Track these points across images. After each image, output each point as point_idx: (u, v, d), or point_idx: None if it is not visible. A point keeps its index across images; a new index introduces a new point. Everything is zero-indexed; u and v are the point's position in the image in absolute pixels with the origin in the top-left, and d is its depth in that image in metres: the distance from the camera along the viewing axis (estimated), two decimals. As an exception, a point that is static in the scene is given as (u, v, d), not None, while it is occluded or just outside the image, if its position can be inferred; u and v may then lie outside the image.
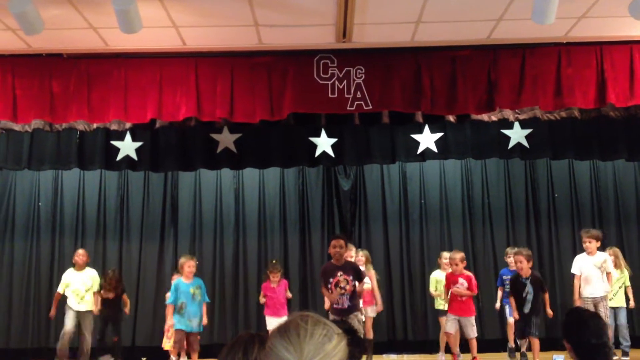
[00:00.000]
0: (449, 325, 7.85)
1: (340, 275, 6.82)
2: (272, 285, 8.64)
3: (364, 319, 8.05)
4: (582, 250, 9.15)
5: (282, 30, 6.42)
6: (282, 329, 1.53)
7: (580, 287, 7.97)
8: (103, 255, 9.82)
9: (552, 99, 6.87)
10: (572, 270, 8.15)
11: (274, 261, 9.12)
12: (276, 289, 8.62)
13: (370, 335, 8.41)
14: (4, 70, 6.87)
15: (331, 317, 6.90)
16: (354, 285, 6.87)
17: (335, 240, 7.02)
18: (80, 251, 8.78)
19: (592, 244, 7.95)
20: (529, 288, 7.67)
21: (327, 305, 7.32)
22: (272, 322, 8.39)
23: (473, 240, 9.98)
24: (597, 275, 7.85)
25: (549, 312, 7.87)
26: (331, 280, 6.85)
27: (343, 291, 6.75)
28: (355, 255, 8.50)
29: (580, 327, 2.88)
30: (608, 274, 7.92)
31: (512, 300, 7.90)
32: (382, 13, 6.11)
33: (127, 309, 9.02)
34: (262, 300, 8.72)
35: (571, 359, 2.92)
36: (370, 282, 8.39)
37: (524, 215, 10.04)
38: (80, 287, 8.45)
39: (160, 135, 8.30)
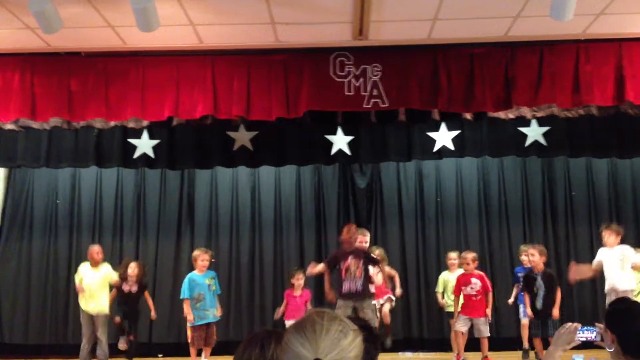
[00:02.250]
0: (459, 324, 7.84)
1: (351, 259, 6.96)
2: (295, 293, 8.49)
3: (379, 305, 8.11)
4: (599, 249, 9.07)
5: (298, 27, 6.43)
6: (298, 325, 1.53)
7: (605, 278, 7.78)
8: (120, 252, 9.86)
9: (570, 97, 6.83)
10: (594, 262, 7.92)
11: (295, 268, 8.99)
12: (297, 298, 8.47)
13: (388, 320, 8.42)
14: (23, 69, 6.94)
15: (340, 302, 6.96)
16: (365, 270, 6.97)
17: (346, 227, 7.31)
18: (96, 248, 8.49)
19: (611, 237, 7.67)
20: (539, 283, 7.67)
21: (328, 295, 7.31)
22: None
23: (489, 238, 9.93)
24: (617, 267, 7.60)
25: (555, 312, 7.69)
26: (342, 263, 7.02)
27: (352, 275, 6.87)
28: (372, 253, 8.51)
29: (629, 316, 2.73)
30: (633, 265, 7.57)
31: (526, 297, 7.88)
32: (399, 10, 6.10)
33: (153, 313, 8.64)
34: (281, 310, 8.52)
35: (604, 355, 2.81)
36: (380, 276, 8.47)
37: (541, 213, 9.97)
38: (93, 286, 8.20)
39: (177, 133, 8.33)
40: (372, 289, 7.41)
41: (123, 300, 8.48)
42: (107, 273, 8.41)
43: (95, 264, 8.39)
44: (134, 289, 8.48)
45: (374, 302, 7.66)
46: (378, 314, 7.99)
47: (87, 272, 8.36)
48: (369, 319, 6.59)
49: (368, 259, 7.09)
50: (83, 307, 8.24)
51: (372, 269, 7.29)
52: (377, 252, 8.60)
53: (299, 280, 8.51)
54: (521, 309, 8.49)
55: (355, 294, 6.89)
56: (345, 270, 6.99)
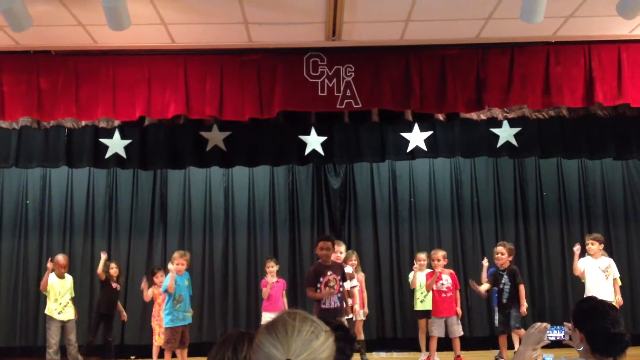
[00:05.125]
0: (435, 330, 7.86)
1: (330, 275, 6.80)
2: (271, 280, 8.57)
3: (353, 319, 8.09)
4: (569, 248, 9.16)
5: (271, 28, 6.41)
6: (270, 326, 1.53)
7: (585, 287, 7.87)
8: (91, 253, 9.75)
9: (540, 98, 6.91)
10: (579, 267, 8.01)
11: (268, 257, 9.11)
12: (274, 284, 8.52)
13: (361, 336, 8.44)
14: (-9, 67, 6.83)
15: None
16: (342, 286, 6.88)
17: (322, 242, 6.96)
18: (61, 258, 8.35)
19: (595, 246, 7.83)
20: (505, 279, 7.81)
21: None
22: (267, 318, 8.28)
23: (462, 238, 10.00)
24: (602, 279, 7.75)
25: (522, 309, 7.78)
26: (321, 279, 6.81)
27: (332, 290, 6.72)
28: (349, 258, 8.53)
29: (597, 315, 2.73)
30: (614, 279, 7.83)
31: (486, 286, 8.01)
32: (372, 11, 6.12)
33: (124, 314, 8.92)
34: (266, 294, 8.50)
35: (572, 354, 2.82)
36: (358, 284, 8.45)
37: (513, 213, 10.06)
38: (64, 297, 8.22)
39: (149, 133, 8.27)
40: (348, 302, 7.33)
41: (106, 298, 8.58)
42: (72, 284, 8.41)
43: (61, 275, 8.32)
44: (114, 285, 8.69)
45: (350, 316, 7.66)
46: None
47: (56, 284, 8.27)
48: None
49: (343, 275, 6.96)
50: (55, 316, 8.15)
51: (347, 284, 7.25)
52: (354, 258, 8.61)
53: (270, 267, 8.51)
54: (495, 318, 8.43)
55: (334, 310, 6.72)
56: (325, 285, 6.78)
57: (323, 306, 6.76)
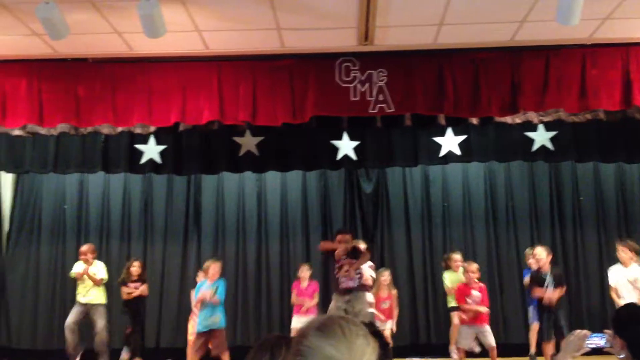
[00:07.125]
0: (462, 340, 7.83)
1: (344, 259, 7.35)
2: (302, 285, 8.68)
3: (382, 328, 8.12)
4: (607, 254, 9.02)
5: (304, 33, 6.43)
6: (322, 329, 1.50)
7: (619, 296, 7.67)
8: (127, 258, 9.87)
9: (576, 101, 6.80)
10: (610, 282, 7.88)
11: (302, 263, 9.24)
12: (304, 290, 8.63)
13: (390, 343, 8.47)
14: (30, 75, 6.97)
15: (336, 296, 7.42)
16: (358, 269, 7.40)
17: (341, 235, 7.54)
18: (84, 248, 8.59)
19: (626, 254, 7.59)
20: (549, 281, 7.63)
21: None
22: (297, 321, 8.41)
23: (497, 244, 9.88)
24: (629, 289, 7.53)
25: (545, 300, 7.65)
26: (336, 265, 7.43)
27: (346, 273, 7.26)
28: (380, 275, 8.55)
29: (638, 321, 2.69)
30: None
31: (536, 291, 7.79)
32: (404, 15, 6.10)
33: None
34: (294, 300, 8.72)
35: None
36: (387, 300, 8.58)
37: (549, 218, 9.92)
38: (88, 281, 8.41)
39: (183, 138, 8.36)
40: (368, 281, 7.88)
41: (127, 300, 8.64)
42: (101, 268, 8.61)
43: (86, 261, 8.50)
44: (138, 285, 8.70)
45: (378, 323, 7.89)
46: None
47: (81, 268, 8.50)
48: (360, 310, 7.19)
49: (356, 254, 7.44)
50: (80, 299, 8.39)
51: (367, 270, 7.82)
52: (387, 274, 8.66)
53: (304, 272, 8.75)
54: (530, 312, 8.41)
55: (352, 289, 7.30)
56: (339, 268, 7.36)
57: (341, 287, 7.31)
